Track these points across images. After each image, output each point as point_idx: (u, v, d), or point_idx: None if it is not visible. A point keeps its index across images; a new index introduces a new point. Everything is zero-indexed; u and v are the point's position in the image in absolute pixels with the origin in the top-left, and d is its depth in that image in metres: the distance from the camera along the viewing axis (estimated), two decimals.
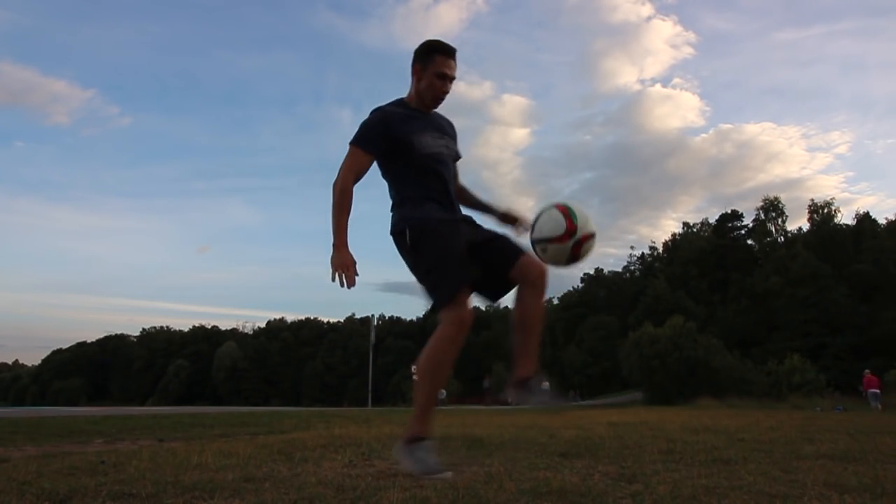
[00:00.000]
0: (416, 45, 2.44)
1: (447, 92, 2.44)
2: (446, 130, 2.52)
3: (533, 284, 2.32)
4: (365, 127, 2.36)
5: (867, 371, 20.39)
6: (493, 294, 2.41)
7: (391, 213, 2.42)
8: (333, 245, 2.22)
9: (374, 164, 2.42)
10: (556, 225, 2.30)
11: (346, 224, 2.26)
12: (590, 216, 2.32)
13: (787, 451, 3.03)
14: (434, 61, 2.39)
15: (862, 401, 21.92)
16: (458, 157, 2.56)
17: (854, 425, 5.53)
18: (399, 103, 2.46)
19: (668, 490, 1.83)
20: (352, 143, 2.34)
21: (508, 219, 2.61)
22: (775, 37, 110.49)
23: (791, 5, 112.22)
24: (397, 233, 2.34)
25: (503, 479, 2.04)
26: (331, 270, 2.19)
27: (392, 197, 2.43)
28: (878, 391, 20.15)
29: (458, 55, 2.43)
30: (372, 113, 2.41)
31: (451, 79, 2.42)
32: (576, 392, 50.77)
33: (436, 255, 2.24)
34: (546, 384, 2.36)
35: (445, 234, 2.28)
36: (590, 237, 2.31)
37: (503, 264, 2.33)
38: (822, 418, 8.00)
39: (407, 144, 2.34)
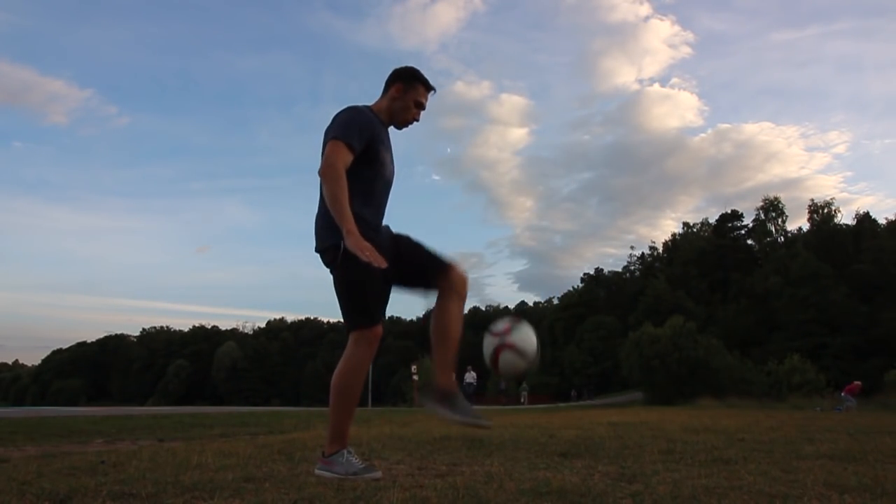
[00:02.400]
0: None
1: (417, 120, 2.50)
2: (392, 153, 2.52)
3: (458, 292, 2.33)
4: (353, 124, 2.30)
5: (857, 382, 20.16)
6: (412, 289, 2.40)
7: (317, 221, 2.34)
8: (347, 231, 2.11)
9: None
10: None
11: (349, 210, 2.17)
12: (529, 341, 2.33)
13: (787, 451, 3.03)
14: (416, 89, 2.46)
15: (861, 400, 21.94)
16: None
17: (854, 425, 5.53)
18: (372, 111, 2.43)
19: (668, 490, 1.83)
20: (336, 138, 2.24)
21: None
22: (772, 37, 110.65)
23: (786, 6, 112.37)
24: (329, 247, 2.25)
25: (503, 479, 2.04)
26: (356, 253, 2.08)
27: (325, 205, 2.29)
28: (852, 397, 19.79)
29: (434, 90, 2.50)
30: (354, 110, 2.36)
31: (423, 109, 2.50)
32: (577, 392, 50.76)
33: (361, 279, 2.21)
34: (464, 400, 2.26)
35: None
36: (510, 347, 2.31)
37: (428, 270, 2.34)
38: (822, 418, 8.00)
39: (377, 158, 2.33)
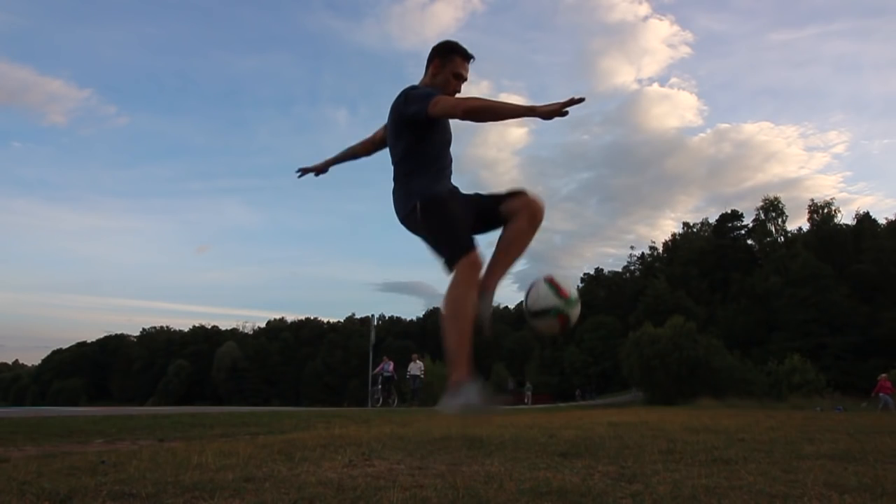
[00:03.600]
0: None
1: (459, 92, 2.56)
2: None
3: (530, 213, 2.42)
4: (427, 91, 2.43)
5: (883, 375, 20.10)
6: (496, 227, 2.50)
7: (401, 187, 2.49)
8: (532, 110, 2.27)
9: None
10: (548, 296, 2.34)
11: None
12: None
13: (787, 451, 3.03)
14: (453, 61, 2.54)
15: (861, 401, 21.94)
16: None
17: (854, 425, 5.53)
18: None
19: (668, 490, 1.83)
20: (437, 95, 2.37)
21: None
22: (770, 37, 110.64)
23: (784, 6, 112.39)
24: (411, 209, 2.41)
25: (503, 479, 2.04)
26: (558, 113, 2.30)
27: (401, 177, 2.49)
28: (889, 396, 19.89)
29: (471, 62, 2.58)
30: (417, 88, 2.49)
31: (464, 80, 2.57)
32: (583, 391, 50.71)
33: (444, 218, 2.36)
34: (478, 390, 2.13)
35: (455, 202, 2.43)
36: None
37: (505, 198, 2.46)
38: (822, 418, 8.00)
39: (443, 124, 2.49)
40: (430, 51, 2.59)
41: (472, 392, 2.02)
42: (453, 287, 2.26)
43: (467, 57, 2.56)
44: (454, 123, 2.64)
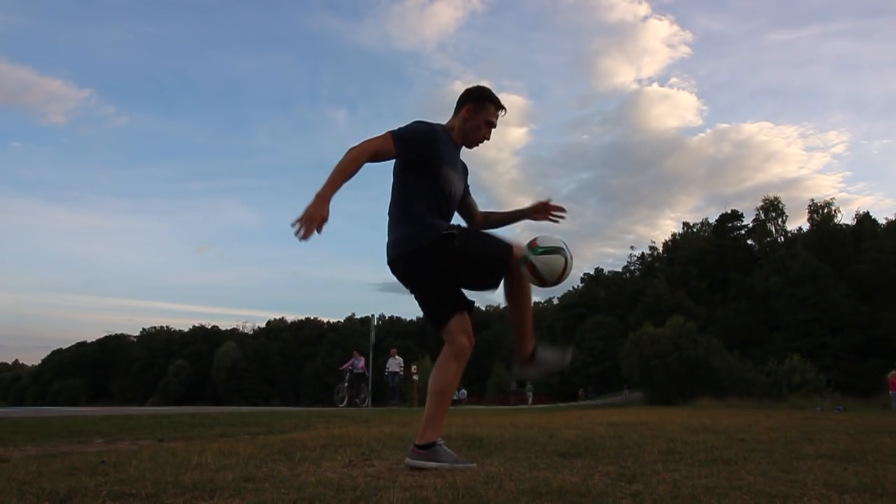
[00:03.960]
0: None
1: (488, 139, 2.59)
2: (463, 173, 2.65)
3: (515, 274, 2.46)
4: (414, 131, 2.39)
5: (893, 372, 19.98)
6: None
7: (396, 229, 2.43)
8: (318, 195, 2.11)
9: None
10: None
11: (341, 186, 2.19)
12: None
13: (787, 451, 3.03)
14: (487, 109, 2.56)
15: (861, 401, 21.93)
16: (466, 196, 2.70)
17: (854, 425, 5.53)
18: (444, 129, 2.55)
19: (668, 490, 1.83)
20: (391, 132, 2.33)
21: (538, 209, 2.73)
22: (769, 37, 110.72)
23: (783, 6, 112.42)
24: (443, 237, 2.33)
25: (503, 479, 2.04)
26: (299, 216, 2.07)
27: (399, 211, 2.44)
28: None
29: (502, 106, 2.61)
30: (424, 123, 2.45)
31: (494, 128, 2.61)
32: (585, 390, 50.63)
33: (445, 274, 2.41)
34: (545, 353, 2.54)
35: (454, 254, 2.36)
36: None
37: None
38: (822, 418, 8.00)
39: (438, 174, 2.43)
40: (463, 92, 2.59)
41: (444, 454, 2.38)
42: (443, 363, 2.46)
43: (500, 107, 2.59)
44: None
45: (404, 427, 5.13)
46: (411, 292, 2.51)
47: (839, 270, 47.55)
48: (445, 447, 2.44)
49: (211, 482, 1.96)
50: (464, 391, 41.39)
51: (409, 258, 2.38)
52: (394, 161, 2.47)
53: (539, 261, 2.30)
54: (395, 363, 17.56)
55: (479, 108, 2.55)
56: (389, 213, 2.49)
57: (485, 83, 2.62)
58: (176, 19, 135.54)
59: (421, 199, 2.41)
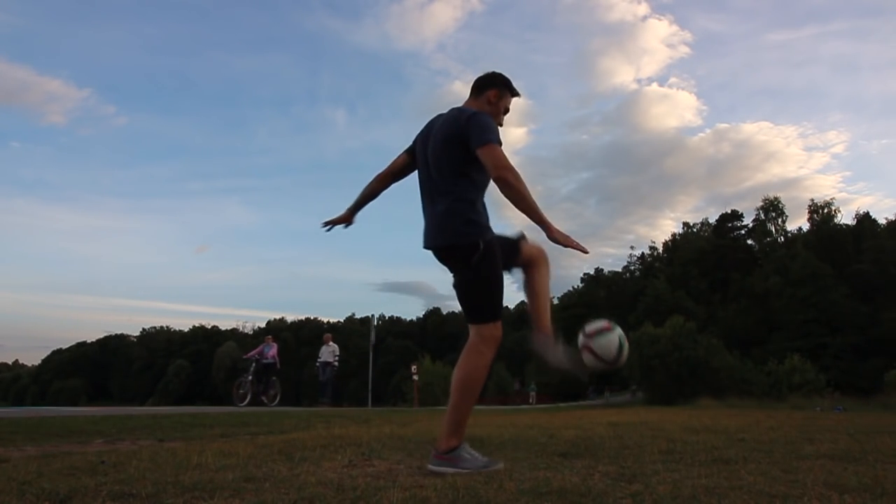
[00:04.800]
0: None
1: (501, 126, 2.63)
2: None
3: (535, 263, 2.59)
4: (496, 129, 2.45)
5: None
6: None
7: (448, 217, 2.41)
8: (548, 226, 2.32)
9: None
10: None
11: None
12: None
13: (787, 451, 3.03)
14: (506, 97, 2.64)
15: (861, 401, 21.90)
16: None
17: (854, 425, 5.53)
18: None
19: (668, 490, 1.83)
20: (497, 143, 2.38)
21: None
22: (768, 37, 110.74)
23: (782, 6, 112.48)
24: (469, 244, 2.36)
25: (503, 479, 2.04)
26: (563, 243, 2.32)
27: (463, 201, 2.42)
28: None
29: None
30: (486, 117, 2.47)
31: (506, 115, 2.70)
32: (591, 389, 50.48)
33: (498, 275, 2.43)
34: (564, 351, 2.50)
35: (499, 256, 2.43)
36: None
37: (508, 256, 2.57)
38: (822, 418, 8.00)
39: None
40: (486, 76, 2.63)
41: (470, 459, 2.32)
42: (478, 355, 2.37)
43: (517, 95, 2.68)
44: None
45: (404, 427, 5.13)
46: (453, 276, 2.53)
47: (839, 270, 47.55)
48: (470, 450, 2.37)
49: (211, 482, 1.96)
50: None
51: (459, 250, 2.39)
52: (440, 147, 2.47)
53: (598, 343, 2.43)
54: (327, 351, 14.71)
55: (503, 95, 2.62)
56: (436, 198, 2.46)
57: None
58: (175, 19, 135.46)
59: (479, 193, 2.49)
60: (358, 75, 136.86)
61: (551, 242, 2.35)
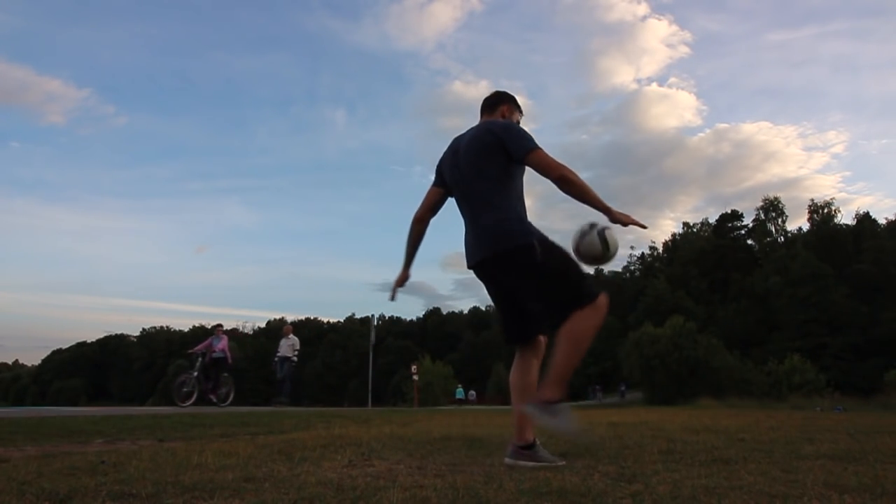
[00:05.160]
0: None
1: None
2: None
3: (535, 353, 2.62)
4: (529, 133, 2.54)
5: None
6: None
7: (502, 224, 2.44)
8: (608, 210, 2.43)
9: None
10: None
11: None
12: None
13: (787, 451, 3.03)
14: (516, 113, 2.79)
15: (861, 401, 21.91)
16: None
17: (854, 425, 5.53)
18: None
19: (668, 490, 1.83)
20: (539, 147, 2.46)
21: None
22: (767, 37, 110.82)
23: (781, 7, 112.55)
24: (526, 244, 2.38)
25: (503, 479, 2.04)
26: (625, 225, 2.49)
27: (508, 208, 2.47)
28: None
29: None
30: (518, 125, 2.64)
31: None
32: (597, 388, 50.37)
33: (568, 256, 2.47)
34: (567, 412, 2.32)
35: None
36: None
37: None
38: (822, 418, 8.00)
39: (523, 170, 2.60)
40: (495, 94, 2.79)
41: (566, 414, 2.26)
42: (595, 313, 2.34)
43: (522, 115, 2.81)
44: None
45: (404, 427, 5.14)
46: (494, 294, 2.59)
47: (839, 270, 47.57)
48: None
49: (211, 482, 1.96)
50: (472, 392, 41.51)
51: (519, 254, 2.39)
52: (475, 160, 2.53)
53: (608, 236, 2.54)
54: (286, 345, 13.10)
55: (513, 110, 2.76)
56: (480, 213, 2.50)
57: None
58: (175, 19, 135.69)
59: (519, 200, 2.55)
60: (357, 75, 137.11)
61: (615, 224, 2.46)
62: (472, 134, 2.62)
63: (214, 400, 11.32)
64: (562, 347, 2.30)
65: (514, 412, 2.49)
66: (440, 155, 2.77)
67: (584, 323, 2.32)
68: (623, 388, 42.71)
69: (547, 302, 2.43)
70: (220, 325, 12.52)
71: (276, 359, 13.28)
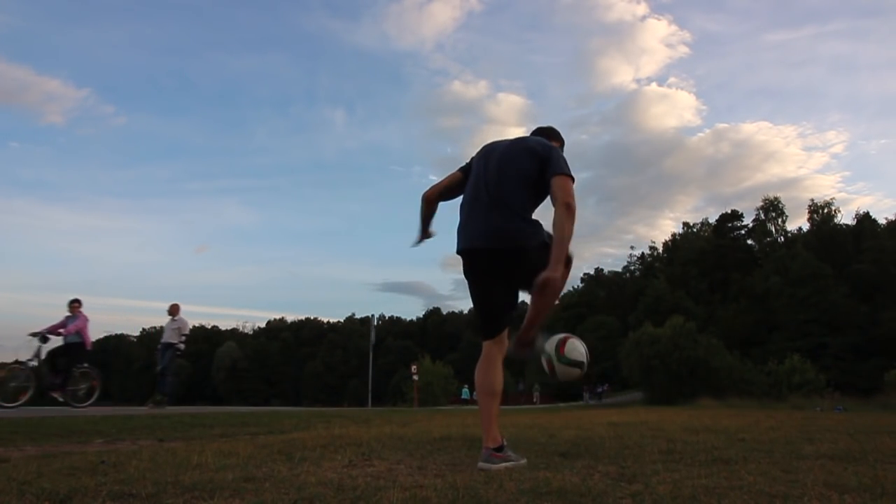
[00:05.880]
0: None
1: None
2: None
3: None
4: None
5: None
6: None
7: (526, 225, 2.66)
8: (558, 265, 2.48)
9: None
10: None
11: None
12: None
13: (787, 451, 3.03)
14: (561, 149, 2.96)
15: (861, 401, 21.90)
16: None
17: (854, 425, 5.53)
18: None
19: (668, 490, 1.83)
20: (570, 175, 2.67)
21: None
22: (766, 38, 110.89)
23: (779, 7, 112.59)
24: (539, 244, 2.62)
25: (503, 479, 2.04)
26: (560, 285, 2.57)
27: (524, 210, 2.68)
28: None
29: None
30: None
31: None
32: (607, 387, 50.21)
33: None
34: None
35: None
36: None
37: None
38: (822, 418, 8.00)
39: None
40: (555, 130, 3.02)
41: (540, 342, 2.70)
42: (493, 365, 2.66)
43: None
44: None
45: (404, 427, 5.14)
46: (479, 285, 2.70)
47: (839, 270, 47.58)
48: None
49: (211, 482, 1.96)
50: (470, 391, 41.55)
51: (519, 251, 2.60)
52: (516, 161, 2.71)
53: (560, 368, 2.68)
54: (170, 329, 10.51)
55: (562, 147, 2.97)
56: (504, 204, 2.63)
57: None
58: (174, 20, 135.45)
59: (533, 209, 2.73)
60: (356, 75, 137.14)
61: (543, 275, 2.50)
62: (525, 140, 2.81)
63: (62, 399, 8.80)
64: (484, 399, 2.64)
65: (483, 415, 2.59)
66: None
67: (494, 369, 2.67)
68: (601, 389, 42.77)
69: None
70: (76, 301, 9.58)
71: (158, 347, 10.78)
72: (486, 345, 2.70)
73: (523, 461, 2.53)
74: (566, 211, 2.55)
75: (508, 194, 2.65)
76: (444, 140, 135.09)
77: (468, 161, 2.95)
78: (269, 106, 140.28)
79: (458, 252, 2.72)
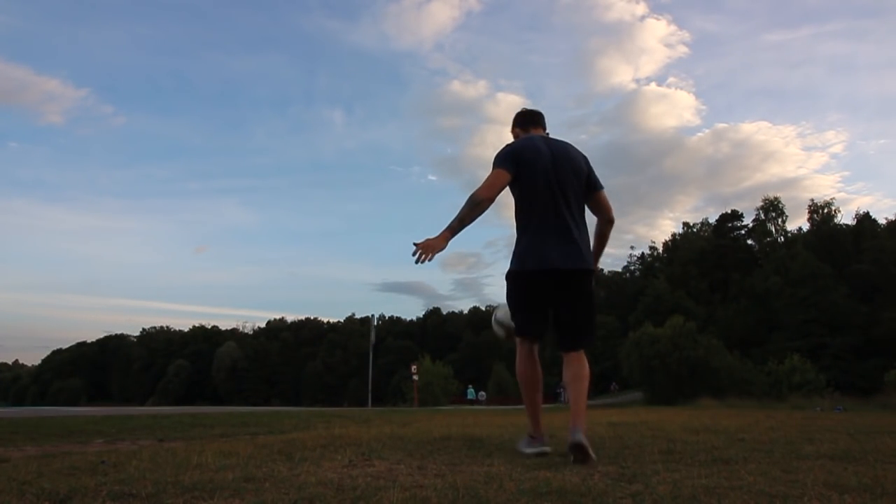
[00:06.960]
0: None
1: None
2: None
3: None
4: None
5: None
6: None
7: (584, 243, 2.74)
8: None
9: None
10: None
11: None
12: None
13: (787, 451, 3.03)
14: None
15: (861, 401, 21.90)
16: None
17: (854, 425, 5.53)
18: None
19: (668, 490, 1.83)
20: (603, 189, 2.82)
21: None
22: (765, 38, 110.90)
23: (778, 7, 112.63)
24: (591, 270, 2.74)
25: (503, 479, 2.04)
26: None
27: (585, 230, 2.77)
28: None
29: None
30: None
31: None
32: (616, 385, 50.00)
33: None
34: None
35: None
36: None
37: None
38: (822, 418, 8.00)
39: None
40: (541, 114, 3.01)
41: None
42: (587, 367, 2.77)
43: None
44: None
45: (404, 427, 5.13)
46: (542, 299, 2.73)
47: (839, 270, 47.54)
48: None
49: (211, 482, 1.96)
50: (483, 393, 41.66)
51: (589, 274, 2.70)
52: (577, 179, 2.76)
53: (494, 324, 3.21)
54: None
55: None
56: (575, 227, 2.70)
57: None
58: (173, 20, 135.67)
59: None
60: (355, 75, 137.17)
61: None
62: (568, 149, 2.81)
63: None
64: (583, 386, 2.71)
65: (531, 404, 2.83)
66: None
67: (587, 370, 2.77)
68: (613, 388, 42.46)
69: (577, 320, 2.74)
70: None
71: None
72: (526, 342, 2.80)
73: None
74: (610, 227, 2.74)
75: (579, 211, 2.73)
76: (444, 140, 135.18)
77: (512, 159, 2.67)
78: (268, 106, 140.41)
79: (531, 271, 2.63)
